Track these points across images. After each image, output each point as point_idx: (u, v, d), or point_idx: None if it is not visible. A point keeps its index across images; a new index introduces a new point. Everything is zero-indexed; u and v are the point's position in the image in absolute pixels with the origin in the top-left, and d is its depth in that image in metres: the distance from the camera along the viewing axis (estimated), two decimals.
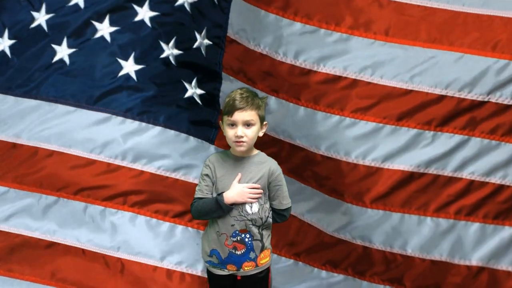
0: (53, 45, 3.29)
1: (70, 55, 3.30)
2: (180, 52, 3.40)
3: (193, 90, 3.47)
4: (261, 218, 2.95)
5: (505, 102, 3.37)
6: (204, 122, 3.52)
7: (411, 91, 3.42)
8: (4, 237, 3.41)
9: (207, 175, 2.99)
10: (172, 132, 3.44)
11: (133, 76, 3.34)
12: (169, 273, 3.42)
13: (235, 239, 2.94)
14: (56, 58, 3.31)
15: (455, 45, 3.39)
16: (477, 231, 3.49)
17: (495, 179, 3.45)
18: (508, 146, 3.41)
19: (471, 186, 3.46)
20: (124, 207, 3.40)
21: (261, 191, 2.95)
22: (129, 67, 3.33)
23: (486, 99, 3.38)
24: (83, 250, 3.37)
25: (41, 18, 3.27)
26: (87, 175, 3.36)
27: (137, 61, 3.33)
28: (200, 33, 3.43)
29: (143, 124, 3.40)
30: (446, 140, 3.42)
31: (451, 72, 3.39)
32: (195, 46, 3.42)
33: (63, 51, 3.29)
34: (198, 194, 2.99)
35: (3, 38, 3.36)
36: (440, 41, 3.40)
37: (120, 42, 3.30)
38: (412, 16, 3.42)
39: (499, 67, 3.36)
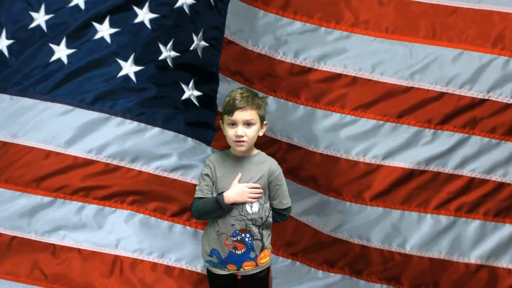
0: (51, 45, 3.27)
1: (69, 55, 3.29)
2: (177, 54, 3.40)
3: (190, 92, 3.47)
4: (261, 218, 2.95)
5: (505, 101, 3.37)
6: (201, 123, 3.52)
7: (411, 88, 3.42)
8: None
9: (207, 174, 2.98)
10: (171, 133, 3.44)
11: (132, 77, 3.33)
12: (169, 269, 3.42)
13: (235, 238, 2.94)
14: (54, 58, 3.29)
15: (455, 41, 3.39)
16: (477, 229, 3.50)
17: (496, 177, 3.45)
18: (508, 144, 3.41)
19: (472, 183, 3.47)
20: (122, 205, 3.40)
21: (261, 190, 2.94)
22: (128, 68, 3.32)
23: (486, 97, 3.38)
24: (79, 250, 3.36)
25: (40, 18, 3.26)
26: (85, 175, 3.35)
27: (136, 63, 3.33)
28: (197, 35, 3.43)
29: (142, 124, 3.39)
30: (446, 138, 3.43)
31: (451, 69, 3.40)
32: (191, 48, 3.42)
33: (61, 51, 3.28)
34: (198, 194, 2.98)
35: (0, 38, 3.35)
36: (439, 38, 3.40)
37: (120, 44, 3.30)
38: (412, 12, 3.42)
39: (499, 64, 3.37)
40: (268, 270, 3.06)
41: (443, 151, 3.43)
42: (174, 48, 3.38)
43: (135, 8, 3.28)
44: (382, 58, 3.42)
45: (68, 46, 3.28)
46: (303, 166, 3.53)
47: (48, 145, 3.33)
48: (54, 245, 3.35)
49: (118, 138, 3.35)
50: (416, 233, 3.50)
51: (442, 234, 3.50)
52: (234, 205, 2.91)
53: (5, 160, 3.37)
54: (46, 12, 3.25)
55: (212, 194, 2.97)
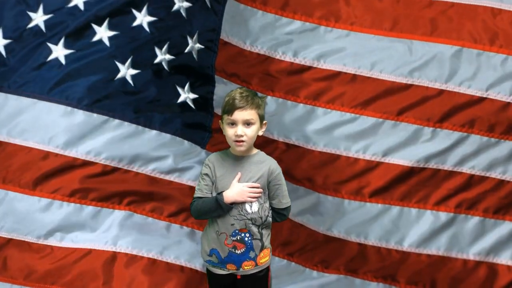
0: (49, 44, 3.25)
1: (66, 56, 3.27)
2: (172, 57, 3.39)
3: (186, 95, 3.46)
4: (261, 217, 2.95)
5: (503, 99, 3.38)
6: (197, 126, 3.52)
7: (411, 85, 3.43)
8: None
9: (206, 174, 2.98)
10: (168, 135, 3.44)
11: (130, 80, 3.33)
12: (169, 266, 3.42)
13: (234, 238, 2.94)
14: (51, 57, 3.27)
15: (454, 38, 3.39)
16: (477, 225, 3.51)
17: (495, 174, 3.47)
18: (507, 143, 3.43)
19: (471, 180, 3.48)
20: (120, 206, 3.40)
21: (260, 190, 2.94)
22: (126, 71, 3.31)
23: (484, 95, 3.38)
24: (75, 249, 3.35)
25: (38, 18, 3.23)
26: (83, 177, 3.34)
27: (133, 66, 3.32)
28: (191, 37, 3.42)
29: (140, 127, 3.39)
30: (445, 137, 3.44)
31: (450, 66, 3.39)
32: (186, 50, 3.41)
33: (58, 51, 3.26)
34: (197, 194, 2.99)
35: None
36: (438, 34, 3.41)
37: (118, 46, 3.28)
38: (411, 9, 3.41)
39: (498, 62, 3.38)
40: (267, 269, 3.07)
41: (443, 149, 3.44)
42: (169, 51, 3.37)
43: (134, 11, 3.26)
44: (381, 55, 3.42)
45: (66, 46, 3.25)
46: (300, 166, 3.52)
47: (47, 146, 3.31)
48: (51, 246, 3.34)
49: (116, 140, 3.34)
50: (415, 229, 3.50)
51: (441, 230, 3.51)
52: (233, 204, 2.91)
53: (1, 160, 3.36)
54: (45, 12, 3.23)
55: (211, 193, 2.97)
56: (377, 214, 3.51)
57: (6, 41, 3.26)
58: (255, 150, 3.01)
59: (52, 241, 3.33)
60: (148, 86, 3.37)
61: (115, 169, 3.36)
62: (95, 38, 3.26)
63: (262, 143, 3.36)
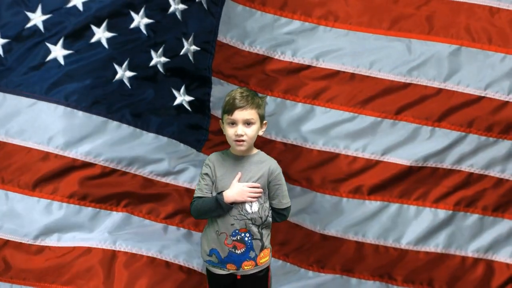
0: (48, 44, 3.24)
1: (65, 57, 3.26)
2: (167, 59, 3.39)
3: (182, 98, 3.47)
4: (261, 217, 2.94)
5: (502, 98, 3.38)
6: (194, 128, 3.53)
7: (409, 84, 3.43)
8: None
9: (206, 174, 2.98)
10: (165, 138, 3.45)
11: (127, 82, 3.32)
12: (169, 264, 3.43)
13: (234, 238, 2.94)
14: (50, 57, 3.26)
15: (452, 36, 3.39)
16: (476, 223, 3.53)
17: (494, 173, 3.48)
18: (506, 142, 3.44)
19: (470, 178, 3.50)
20: (117, 208, 3.40)
21: (261, 190, 2.94)
22: (123, 73, 3.31)
23: (483, 94, 3.39)
24: (74, 248, 3.35)
25: (37, 18, 3.22)
26: (82, 178, 3.33)
27: (130, 68, 3.32)
28: (187, 39, 3.41)
29: (138, 130, 3.40)
30: (444, 136, 3.45)
31: (448, 64, 3.40)
32: (181, 53, 3.40)
33: (57, 51, 3.25)
34: (197, 193, 2.98)
35: None
36: (436, 33, 3.40)
37: (116, 48, 3.28)
38: (409, 8, 3.41)
39: (496, 61, 3.39)
40: (267, 269, 3.06)
41: (441, 148, 3.45)
42: (164, 54, 3.37)
43: (132, 13, 3.26)
44: (379, 54, 3.43)
45: (65, 47, 3.25)
46: (298, 165, 3.52)
47: (46, 146, 3.30)
48: (50, 247, 3.33)
49: (115, 142, 3.34)
50: (413, 227, 3.51)
51: (440, 228, 3.52)
52: (233, 204, 2.91)
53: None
54: (43, 12, 3.21)
55: (211, 193, 2.97)
56: (375, 211, 3.52)
57: (4, 41, 3.24)
58: (255, 150, 3.01)
59: (50, 242, 3.33)
60: (144, 88, 3.38)
61: (113, 171, 3.36)
62: (94, 39, 3.25)
63: (260, 143, 3.36)
